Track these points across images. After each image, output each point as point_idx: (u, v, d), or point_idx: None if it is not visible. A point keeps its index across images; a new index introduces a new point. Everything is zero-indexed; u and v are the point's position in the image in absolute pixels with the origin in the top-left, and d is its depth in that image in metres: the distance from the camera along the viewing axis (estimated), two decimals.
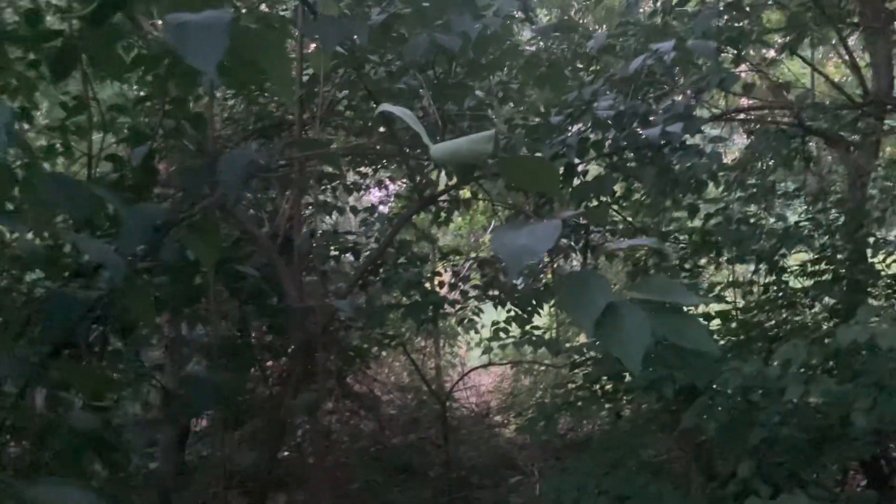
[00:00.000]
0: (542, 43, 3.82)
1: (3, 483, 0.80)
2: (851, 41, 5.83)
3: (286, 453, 5.86)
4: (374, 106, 3.47)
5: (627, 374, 4.25)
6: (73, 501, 0.81)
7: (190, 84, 3.05)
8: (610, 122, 3.54)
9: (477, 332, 7.92)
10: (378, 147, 4.39)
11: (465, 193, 5.65)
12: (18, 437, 1.93)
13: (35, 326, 2.25)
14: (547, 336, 5.02)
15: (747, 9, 3.95)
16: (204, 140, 3.54)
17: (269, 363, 4.62)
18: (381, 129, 4.33)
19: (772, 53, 5.62)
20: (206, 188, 2.12)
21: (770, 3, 4.60)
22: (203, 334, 3.63)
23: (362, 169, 5.90)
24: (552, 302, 5.28)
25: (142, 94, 3.48)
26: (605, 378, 4.40)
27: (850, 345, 3.07)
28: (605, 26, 4.23)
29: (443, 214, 5.67)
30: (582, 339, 6.71)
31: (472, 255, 5.84)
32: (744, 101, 5.84)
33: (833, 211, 5.20)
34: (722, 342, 4.69)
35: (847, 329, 3.07)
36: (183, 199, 1.88)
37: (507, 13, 2.84)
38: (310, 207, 4.24)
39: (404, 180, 6.05)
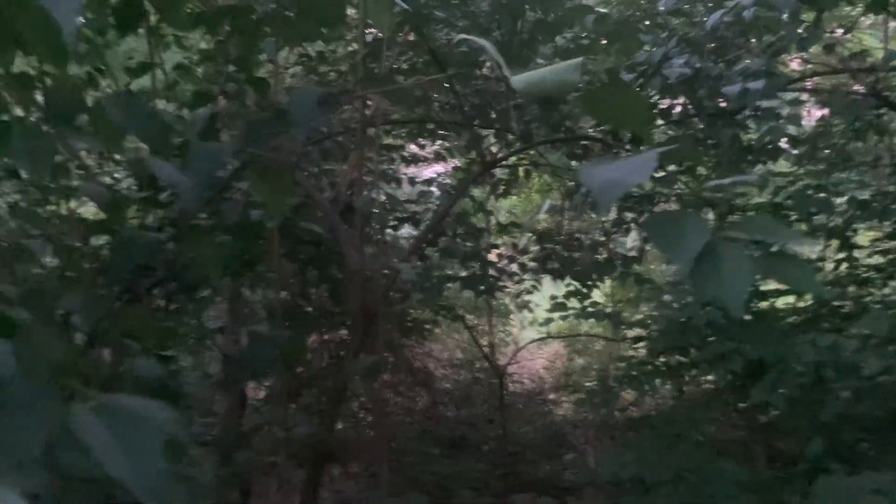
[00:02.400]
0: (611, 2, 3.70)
1: (87, 394, 0.76)
2: None
3: (340, 426, 5.88)
4: (437, 70, 3.39)
5: (692, 348, 4.14)
6: (153, 413, 0.77)
7: (252, 44, 3.02)
8: (682, 86, 3.42)
9: (531, 311, 7.84)
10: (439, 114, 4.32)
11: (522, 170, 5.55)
12: (87, 385, 1.90)
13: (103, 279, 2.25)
14: (608, 310, 4.91)
15: None
16: (265, 104, 3.52)
17: (328, 331, 4.61)
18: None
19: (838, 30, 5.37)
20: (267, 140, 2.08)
21: None
22: (264, 298, 3.62)
23: (421, 140, 5.86)
24: (610, 276, 5.17)
25: (205, 55, 3.46)
26: (668, 352, 4.29)
27: None
28: None
29: (501, 187, 5.59)
30: (640, 315, 6.57)
31: (531, 229, 5.74)
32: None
33: None
34: (791, 319, 4.53)
35: None
36: (246, 148, 1.84)
37: None
38: (370, 176, 4.19)
39: (464, 154, 5.97)
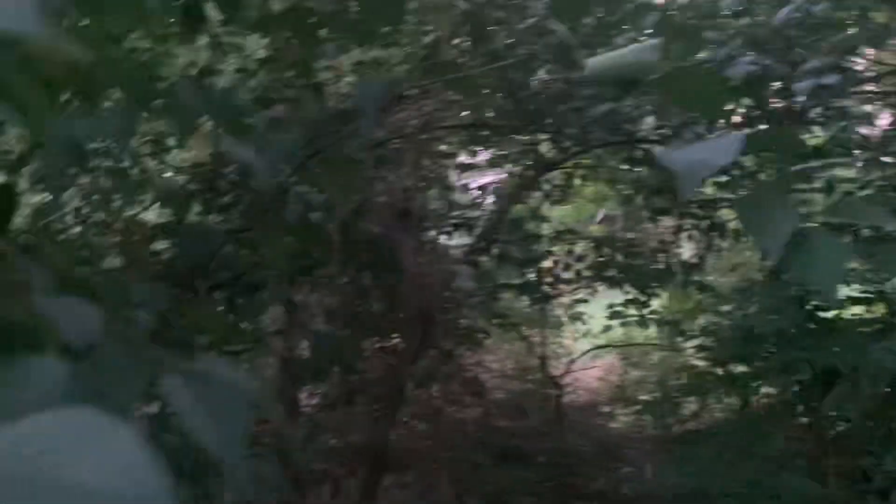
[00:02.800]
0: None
1: (173, 361, 0.74)
2: None
3: (394, 434, 5.85)
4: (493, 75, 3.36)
5: (757, 358, 4.00)
6: (239, 381, 0.75)
7: (311, 47, 3.03)
8: (745, 87, 3.32)
9: (583, 322, 7.72)
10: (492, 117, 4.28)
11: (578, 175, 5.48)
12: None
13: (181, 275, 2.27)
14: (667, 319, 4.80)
15: None
16: (324, 110, 3.53)
17: (382, 336, 4.60)
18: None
19: None
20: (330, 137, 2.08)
21: None
22: (320, 302, 3.62)
23: (474, 148, 5.83)
24: (670, 283, 5.06)
25: (264, 58, 3.50)
26: (731, 362, 4.16)
27: None
28: None
29: (556, 193, 5.52)
30: (701, 321, 6.42)
31: (588, 235, 5.66)
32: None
33: None
34: (862, 329, 4.36)
35: None
36: (308, 146, 1.84)
37: None
38: (425, 181, 4.18)
39: (517, 161, 5.93)
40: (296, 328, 3.70)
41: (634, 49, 1.24)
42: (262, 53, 4.03)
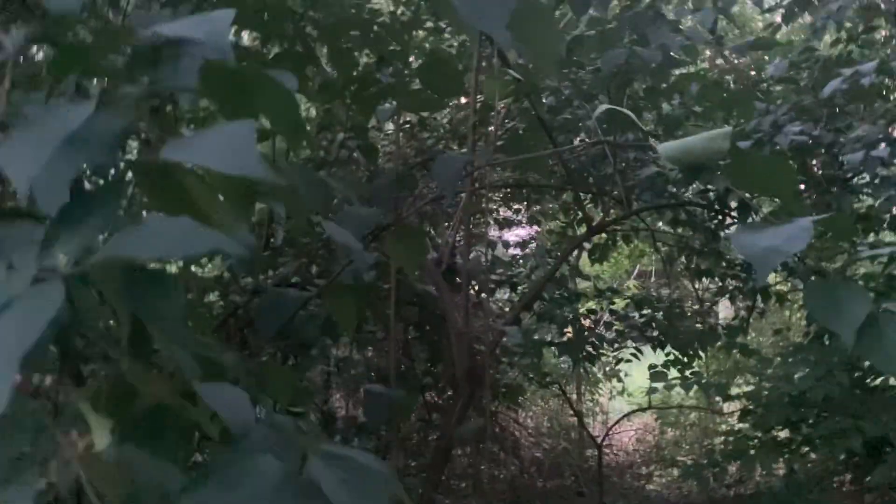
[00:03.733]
0: (716, 68, 3.70)
1: (310, 443, 0.79)
2: None
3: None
4: (544, 135, 3.44)
5: (804, 424, 3.96)
6: (376, 465, 0.80)
7: (368, 112, 3.14)
8: (793, 152, 3.36)
9: (620, 380, 7.65)
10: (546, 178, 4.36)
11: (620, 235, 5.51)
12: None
13: (231, 331, 2.33)
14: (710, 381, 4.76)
15: None
16: (375, 170, 3.63)
17: (429, 392, 4.63)
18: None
19: None
20: (393, 202, 2.15)
21: None
22: (365, 357, 3.68)
23: (515, 204, 5.92)
24: (713, 345, 5.03)
25: (322, 122, 3.62)
26: (778, 427, 4.11)
27: None
28: (779, 59, 4.05)
29: (597, 252, 5.55)
30: (737, 390, 6.34)
31: (628, 294, 5.66)
32: None
33: None
34: None
35: None
36: (378, 212, 1.91)
37: (707, 26, 2.76)
38: (473, 239, 4.25)
39: (557, 217, 5.98)
40: (340, 384, 3.75)
41: (705, 136, 1.30)
42: (314, 113, 4.18)
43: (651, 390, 5.23)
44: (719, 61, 4.56)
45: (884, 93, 3.88)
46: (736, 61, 4.03)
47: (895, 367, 1.12)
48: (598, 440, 6.03)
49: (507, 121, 3.82)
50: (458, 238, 3.91)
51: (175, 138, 0.58)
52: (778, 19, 4.48)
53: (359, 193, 3.12)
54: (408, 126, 4.86)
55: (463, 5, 0.80)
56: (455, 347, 3.25)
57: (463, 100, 4.29)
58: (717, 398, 5.39)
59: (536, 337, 4.79)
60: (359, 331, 3.51)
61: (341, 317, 1.71)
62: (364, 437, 3.42)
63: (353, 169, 3.65)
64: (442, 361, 4.32)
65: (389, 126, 5.00)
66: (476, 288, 4.17)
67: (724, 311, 7.49)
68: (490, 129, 3.72)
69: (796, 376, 3.93)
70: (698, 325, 4.94)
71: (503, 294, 5.38)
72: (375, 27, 2.73)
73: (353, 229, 1.37)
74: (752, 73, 4.05)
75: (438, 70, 2.49)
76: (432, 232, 4.50)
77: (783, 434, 4.16)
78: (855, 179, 3.29)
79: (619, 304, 5.33)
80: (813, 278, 1.17)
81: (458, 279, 3.72)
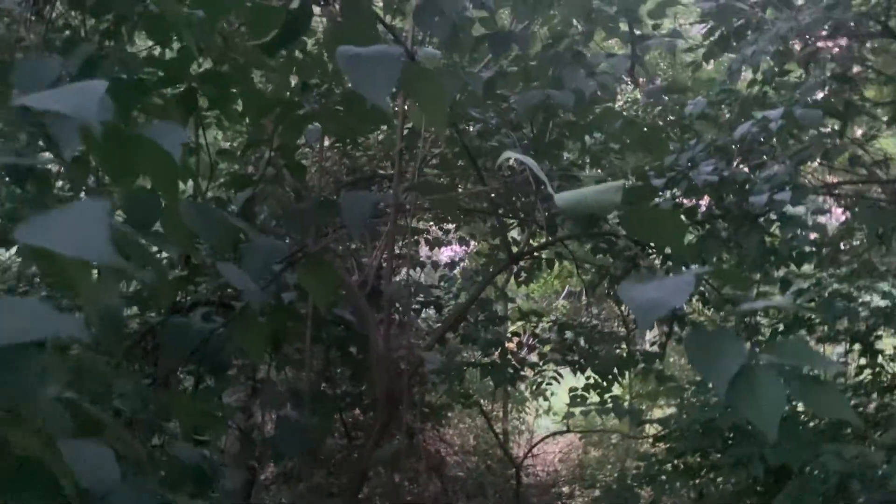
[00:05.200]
0: (639, 107, 3.82)
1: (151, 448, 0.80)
2: None
3: None
4: (466, 163, 3.50)
5: (713, 451, 4.09)
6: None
7: (295, 133, 3.15)
8: (708, 189, 3.50)
9: (546, 399, 7.77)
10: (468, 202, 4.42)
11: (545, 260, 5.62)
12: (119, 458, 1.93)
13: (135, 358, 2.30)
14: (626, 406, 4.88)
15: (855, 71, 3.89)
16: (302, 188, 3.63)
17: (347, 412, 4.61)
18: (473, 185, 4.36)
19: (859, 132, 5.49)
20: (313, 230, 2.16)
21: (875, 76, 4.51)
22: (289, 379, 3.65)
23: (445, 225, 5.97)
24: (631, 370, 5.16)
25: (248, 141, 3.60)
26: (689, 453, 4.24)
27: None
28: (701, 94, 4.21)
29: (523, 274, 5.64)
30: (659, 411, 6.51)
31: (552, 317, 5.76)
32: (833, 178, 5.71)
33: None
34: (812, 424, 4.48)
35: None
36: (292, 241, 1.92)
37: (619, 74, 2.86)
38: (396, 260, 4.27)
39: (486, 239, 6.06)
40: (260, 405, 3.72)
41: (598, 189, 1.35)
42: (243, 128, 4.15)
43: (569, 414, 5.32)
44: (646, 100, 4.70)
45: (795, 132, 4.05)
46: (663, 99, 4.17)
47: (765, 420, 1.17)
48: (519, 461, 6.10)
49: (433, 148, 3.87)
50: (383, 259, 3.93)
51: (33, 215, 0.59)
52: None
53: (281, 215, 3.11)
54: (339, 145, 4.87)
55: (353, 75, 0.83)
56: (375, 369, 3.26)
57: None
58: (639, 425, 5.51)
59: (460, 358, 4.84)
60: (277, 351, 3.50)
61: (250, 345, 1.71)
62: (281, 461, 3.39)
63: (279, 188, 3.64)
64: (365, 382, 4.32)
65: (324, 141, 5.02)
66: (400, 310, 4.19)
67: (651, 334, 7.68)
68: (418, 152, 3.76)
69: (708, 403, 4.07)
70: (618, 350, 5.06)
71: (430, 313, 5.41)
72: (299, 53, 2.74)
73: (258, 263, 1.38)
74: (677, 107, 4.19)
75: (362, 97, 2.52)
76: (359, 252, 4.51)
77: (694, 460, 4.29)
78: (762, 218, 3.43)
79: (543, 326, 5.42)
80: (691, 328, 1.22)
81: (381, 301, 3.74)
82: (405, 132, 3.65)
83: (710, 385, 1.19)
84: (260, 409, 3.79)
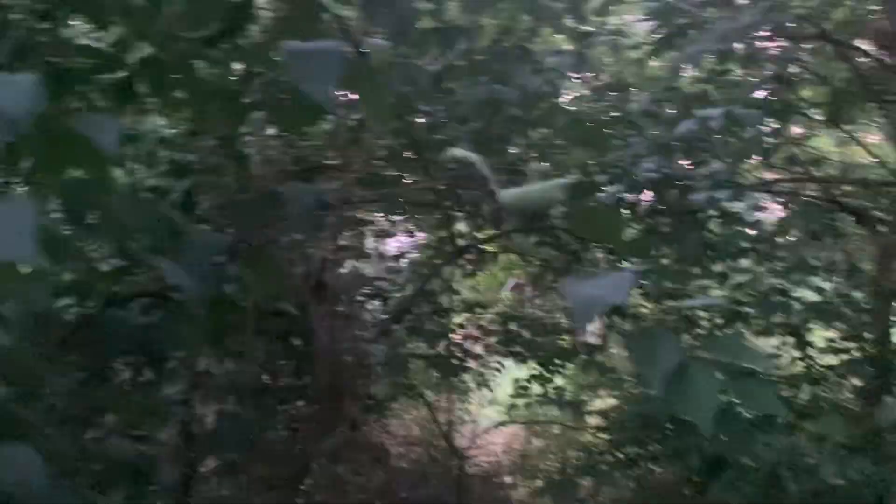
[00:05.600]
0: (584, 103, 3.87)
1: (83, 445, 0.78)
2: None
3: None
4: (416, 155, 3.50)
5: (652, 440, 4.18)
6: None
7: (238, 122, 3.09)
8: (649, 185, 3.56)
9: (491, 390, 7.83)
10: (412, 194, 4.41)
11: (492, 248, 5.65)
12: (50, 458, 1.88)
13: (70, 349, 2.24)
14: (569, 397, 4.95)
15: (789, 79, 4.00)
16: (245, 179, 3.57)
17: (290, 404, 4.57)
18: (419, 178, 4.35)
19: (799, 131, 5.65)
20: (256, 223, 2.13)
21: (812, 77, 4.64)
22: (231, 372, 3.60)
23: (392, 217, 5.94)
24: (575, 362, 5.23)
25: (188, 129, 3.53)
26: (628, 443, 4.32)
27: (891, 424, 3.00)
28: (642, 94, 4.28)
29: (469, 267, 5.67)
30: (601, 403, 6.60)
31: (497, 309, 5.80)
32: (771, 175, 5.87)
33: (862, 289, 5.16)
34: (748, 416, 4.60)
35: (889, 407, 3.01)
36: (235, 233, 1.89)
37: (564, 71, 2.88)
38: (340, 251, 4.24)
39: (433, 231, 6.06)
40: (201, 398, 3.66)
41: (542, 187, 1.37)
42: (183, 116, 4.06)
43: (511, 406, 5.38)
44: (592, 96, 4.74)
45: (734, 130, 4.14)
46: (607, 95, 4.22)
47: (700, 416, 1.20)
48: (462, 451, 6.13)
49: (380, 140, 3.85)
50: (327, 251, 3.90)
51: None
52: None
53: (223, 205, 3.06)
54: (285, 135, 4.80)
55: (295, 71, 0.82)
56: (317, 362, 3.24)
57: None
58: (581, 416, 5.60)
59: (405, 350, 4.84)
60: (219, 344, 3.44)
61: (187, 339, 1.67)
62: (221, 455, 3.35)
63: (222, 178, 3.57)
64: (309, 375, 4.28)
65: (270, 130, 4.94)
66: (344, 302, 4.16)
67: (594, 326, 7.79)
68: (364, 143, 3.74)
69: (645, 393, 4.15)
70: (561, 342, 5.12)
71: (375, 306, 5.40)
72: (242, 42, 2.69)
73: (195, 257, 1.35)
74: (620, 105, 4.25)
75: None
76: (303, 244, 4.46)
77: (633, 450, 4.37)
78: (702, 214, 3.51)
79: (488, 318, 5.46)
80: (630, 326, 1.25)
81: (325, 293, 3.71)
82: (352, 123, 3.63)
83: (649, 381, 1.22)
84: (201, 403, 3.72)
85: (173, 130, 3.91)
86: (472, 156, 1.42)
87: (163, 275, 2.99)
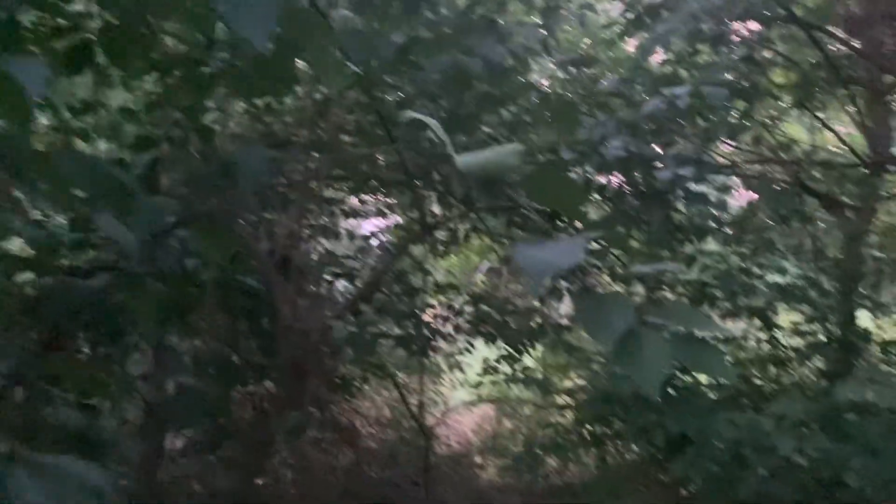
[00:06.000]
0: (554, 82, 3.85)
1: (21, 452, 0.76)
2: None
3: (261, 481, 5.73)
4: (383, 132, 3.46)
5: (617, 419, 4.21)
6: (81, 472, 0.77)
7: (202, 94, 3.04)
8: (617, 165, 3.56)
9: (462, 371, 7.84)
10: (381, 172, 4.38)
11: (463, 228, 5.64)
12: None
13: (26, 318, 2.20)
14: (537, 376, 4.97)
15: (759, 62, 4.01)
16: (210, 152, 3.52)
17: (256, 384, 4.54)
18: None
19: (773, 112, 5.69)
20: (213, 193, 2.10)
21: (782, 60, 4.66)
22: (193, 347, 3.56)
23: (363, 196, 5.91)
24: (543, 342, 5.25)
25: (152, 100, 3.47)
26: (594, 421, 4.35)
27: (847, 403, 3.04)
28: (612, 74, 4.28)
29: (440, 247, 5.66)
30: (569, 382, 6.64)
31: (468, 290, 5.80)
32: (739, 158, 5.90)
33: (827, 273, 5.22)
34: (712, 395, 4.66)
35: (845, 386, 3.05)
36: (190, 202, 1.86)
37: (530, 45, 2.86)
38: (308, 229, 4.21)
39: (405, 211, 6.03)
40: (163, 373, 3.62)
41: (498, 152, 1.35)
42: (149, 88, 3.98)
43: (478, 384, 5.39)
44: (562, 75, 4.74)
45: (702, 112, 4.15)
46: (576, 73, 4.21)
47: (647, 380, 1.20)
48: (431, 432, 6.14)
49: (348, 115, 3.81)
50: (294, 227, 3.87)
51: None
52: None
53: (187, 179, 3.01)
54: (251, 110, 4.74)
55: (228, 11, 0.79)
56: (281, 339, 3.21)
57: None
58: (549, 395, 5.63)
59: (373, 329, 4.82)
60: (182, 320, 3.40)
61: (139, 310, 1.64)
62: (182, 429, 3.31)
63: (186, 152, 3.52)
64: (275, 354, 4.26)
65: (237, 106, 4.88)
66: (311, 279, 4.13)
67: (564, 308, 7.83)
68: (332, 119, 3.70)
69: (611, 373, 4.18)
70: (531, 323, 5.13)
71: (344, 286, 5.37)
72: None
73: (144, 220, 1.32)
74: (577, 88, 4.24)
75: (271, 63, 2.44)
76: (271, 221, 4.42)
77: (598, 428, 4.41)
78: (670, 194, 3.52)
79: (458, 299, 5.46)
80: (582, 291, 1.24)
81: (291, 270, 3.68)
82: (319, 98, 3.58)
83: (600, 343, 1.21)
84: (163, 379, 3.68)
85: (136, 103, 3.84)
86: (429, 120, 1.41)
87: (123, 249, 2.95)
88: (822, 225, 6.22)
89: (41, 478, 0.69)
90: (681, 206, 3.98)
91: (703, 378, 5.09)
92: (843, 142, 5.06)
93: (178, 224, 1.59)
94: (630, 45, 5.41)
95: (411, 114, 1.41)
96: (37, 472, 0.71)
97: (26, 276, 3.32)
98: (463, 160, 1.36)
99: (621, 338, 1.22)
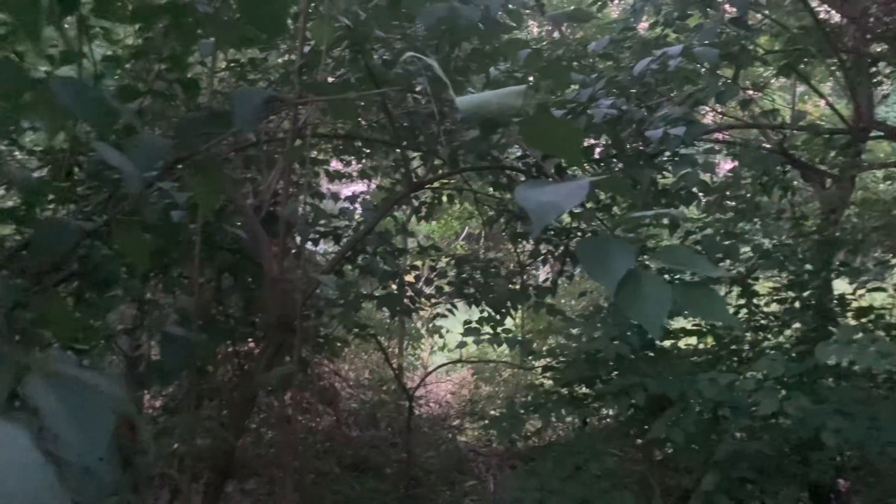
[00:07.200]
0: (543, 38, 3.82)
1: (31, 357, 0.74)
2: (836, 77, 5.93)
3: (241, 440, 5.75)
4: (371, 87, 3.42)
5: (599, 380, 4.25)
6: (104, 386, 0.76)
7: (187, 44, 2.98)
8: (605, 126, 3.55)
9: (442, 336, 7.88)
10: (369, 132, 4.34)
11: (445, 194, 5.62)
12: None
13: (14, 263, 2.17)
14: (518, 337, 4.99)
15: (750, 23, 4.00)
16: (194, 106, 3.46)
17: (238, 341, 4.52)
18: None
19: (763, 78, 5.72)
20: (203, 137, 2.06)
21: (770, 24, 4.66)
22: (175, 302, 3.54)
23: (346, 157, 5.87)
24: (525, 306, 5.27)
25: (137, 49, 3.39)
26: (574, 383, 4.39)
27: (825, 366, 3.09)
28: (601, 37, 4.25)
29: (424, 210, 5.64)
30: (551, 342, 6.69)
31: (450, 252, 5.80)
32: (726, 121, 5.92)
33: (806, 240, 5.28)
34: (694, 359, 4.72)
35: (826, 347, 3.10)
36: (179, 146, 1.82)
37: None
38: (294, 187, 4.16)
39: (389, 174, 5.99)
40: (146, 327, 3.60)
41: (501, 93, 1.34)
42: (132, 40, 3.90)
43: (461, 344, 5.41)
44: (556, 34, 4.72)
45: (690, 77, 4.14)
46: (567, 32, 4.18)
47: (649, 321, 1.20)
48: (412, 391, 6.18)
49: (337, 71, 3.76)
50: (279, 185, 3.83)
51: None
52: None
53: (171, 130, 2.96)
54: (235, 66, 4.66)
55: None
56: (267, 293, 3.19)
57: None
58: (530, 357, 5.67)
59: (356, 289, 4.81)
60: (166, 272, 3.37)
61: (132, 254, 1.62)
62: (166, 382, 3.30)
63: (171, 103, 3.46)
64: (259, 311, 4.24)
65: (220, 63, 4.79)
66: (296, 236, 4.11)
67: (545, 273, 7.87)
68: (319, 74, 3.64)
69: (594, 335, 4.21)
70: (513, 286, 5.15)
71: (329, 246, 5.35)
72: None
73: (142, 158, 1.30)
74: (580, 46, 4.22)
75: (260, 4, 2.39)
76: (256, 177, 4.38)
77: (579, 389, 4.45)
78: (658, 157, 3.52)
79: (441, 262, 5.46)
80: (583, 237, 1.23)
81: (277, 226, 3.65)
82: (306, 51, 3.52)
83: (602, 284, 1.21)
84: (146, 332, 3.66)
85: (120, 52, 3.76)
86: (428, 59, 1.38)
87: (110, 197, 2.90)
88: (801, 197, 6.29)
89: (61, 388, 0.68)
90: (667, 169, 3.99)
91: (682, 343, 5.16)
92: (832, 106, 5.08)
93: (172, 166, 1.56)
94: (614, 10, 5.38)
95: (412, 54, 1.38)
96: (56, 381, 0.69)
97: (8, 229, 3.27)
98: (464, 101, 1.34)
99: (623, 279, 1.22)
